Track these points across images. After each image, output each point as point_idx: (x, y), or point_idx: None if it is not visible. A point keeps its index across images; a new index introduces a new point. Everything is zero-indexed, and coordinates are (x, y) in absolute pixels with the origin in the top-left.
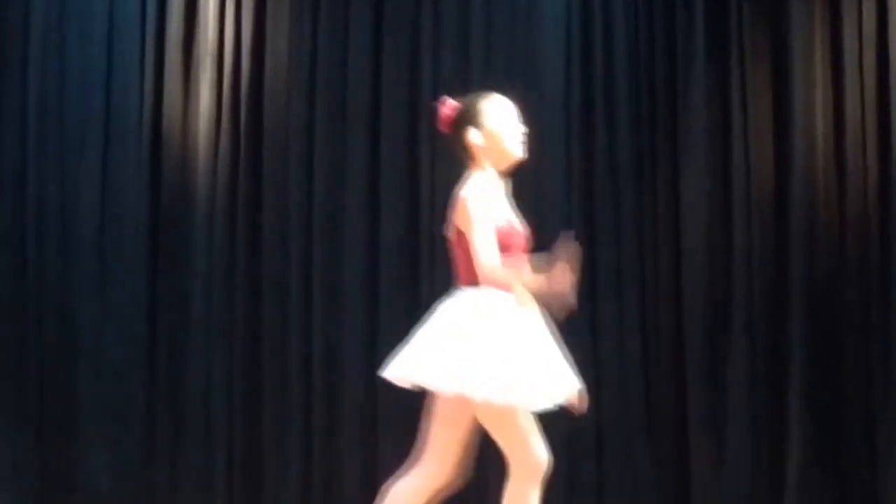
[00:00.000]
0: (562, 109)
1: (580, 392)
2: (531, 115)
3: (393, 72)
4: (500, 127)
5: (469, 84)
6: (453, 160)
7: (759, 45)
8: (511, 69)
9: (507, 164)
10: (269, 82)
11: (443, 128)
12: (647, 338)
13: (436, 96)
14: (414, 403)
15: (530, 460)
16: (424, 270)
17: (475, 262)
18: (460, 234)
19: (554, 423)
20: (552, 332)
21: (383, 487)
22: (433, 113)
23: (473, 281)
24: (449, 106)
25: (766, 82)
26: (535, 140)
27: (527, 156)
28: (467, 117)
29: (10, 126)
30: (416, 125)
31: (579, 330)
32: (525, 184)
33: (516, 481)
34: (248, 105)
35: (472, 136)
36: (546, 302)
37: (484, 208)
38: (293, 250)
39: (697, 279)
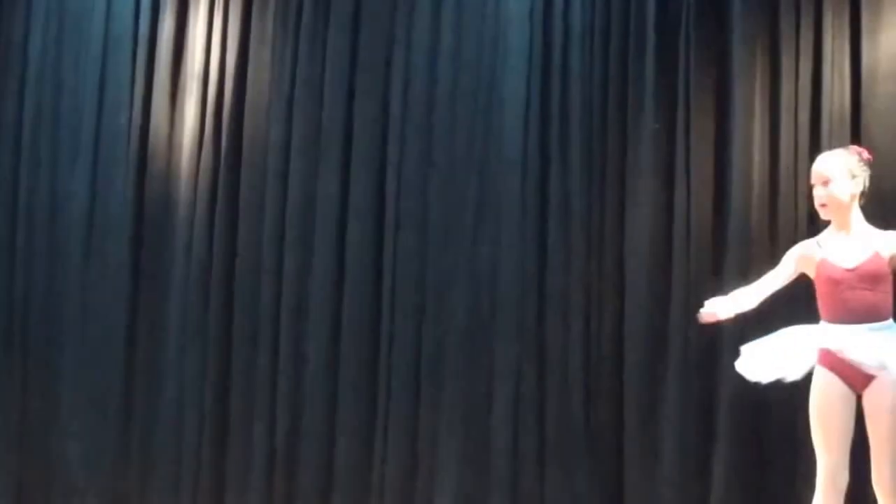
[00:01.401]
0: (520, 143)
1: None
2: (492, 149)
3: (365, 96)
4: None
5: (435, 107)
6: (418, 173)
7: (703, 93)
8: (475, 103)
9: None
10: (249, 103)
11: None
12: (590, 358)
13: (405, 119)
14: (372, 402)
15: None
16: (387, 274)
17: None
18: None
19: (500, 433)
20: None
21: None
22: None
23: None
24: None
25: (709, 128)
26: (494, 172)
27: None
28: None
29: (6, 136)
30: (385, 143)
31: (529, 348)
32: (485, 215)
33: None
34: (229, 123)
35: None
36: None
37: None
38: (266, 258)
39: (639, 307)
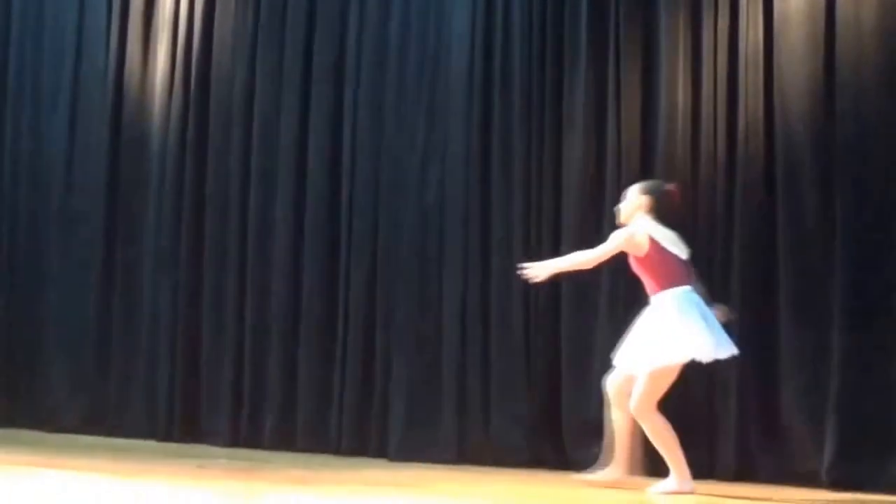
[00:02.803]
0: (465, 96)
1: None
2: (439, 94)
3: (323, 42)
4: None
5: (388, 54)
6: (375, 115)
7: (631, 39)
8: (424, 49)
9: None
10: (217, 48)
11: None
12: (529, 288)
13: (359, 65)
14: (332, 325)
15: None
16: (344, 203)
17: None
18: None
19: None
20: None
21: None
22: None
23: None
24: None
25: (637, 70)
26: (441, 115)
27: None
28: None
29: None
30: (341, 84)
31: (474, 279)
32: (430, 162)
33: None
34: (198, 66)
35: None
36: None
37: None
38: (233, 189)
39: (574, 238)
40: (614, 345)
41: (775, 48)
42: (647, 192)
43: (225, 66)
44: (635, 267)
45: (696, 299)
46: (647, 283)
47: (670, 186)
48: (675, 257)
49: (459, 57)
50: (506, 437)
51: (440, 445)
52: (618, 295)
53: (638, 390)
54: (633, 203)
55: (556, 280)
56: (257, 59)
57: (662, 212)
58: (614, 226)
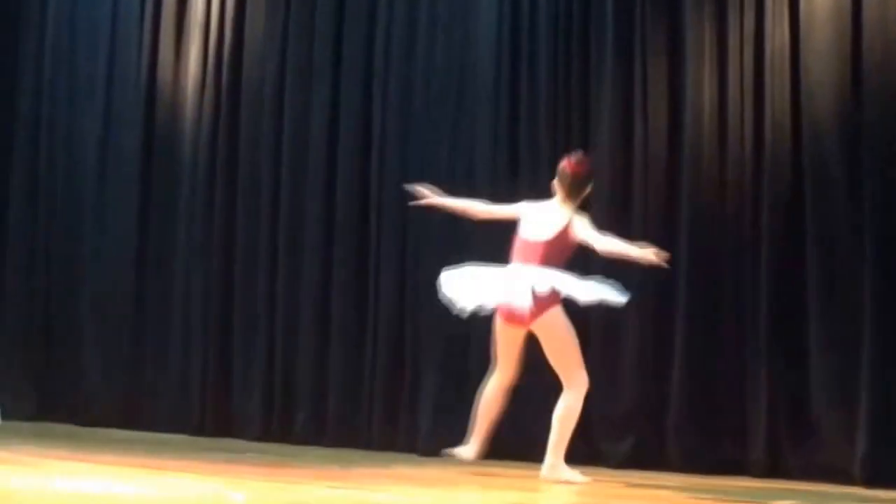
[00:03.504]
0: (492, 91)
1: None
2: (468, 99)
3: (353, 37)
4: None
5: (416, 51)
6: (403, 109)
7: (658, 36)
8: (452, 43)
9: None
10: (247, 47)
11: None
12: None
13: (387, 59)
14: (360, 317)
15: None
16: (373, 198)
17: None
18: None
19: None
20: None
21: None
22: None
23: None
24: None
25: (664, 68)
26: (469, 108)
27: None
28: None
29: (28, 77)
30: (370, 82)
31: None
32: (458, 157)
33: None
34: (229, 64)
35: None
36: None
37: None
38: (264, 185)
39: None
40: (643, 336)
41: (802, 48)
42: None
43: (255, 64)
44: None
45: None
46: None
47: (566, 160)
48: (518, 237)
49: (487, 53)
50: (534, 432)
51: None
52: (647, 287)
53: None
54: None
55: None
56: (287, 56)
57: (565, 186)
58: (643, 225)
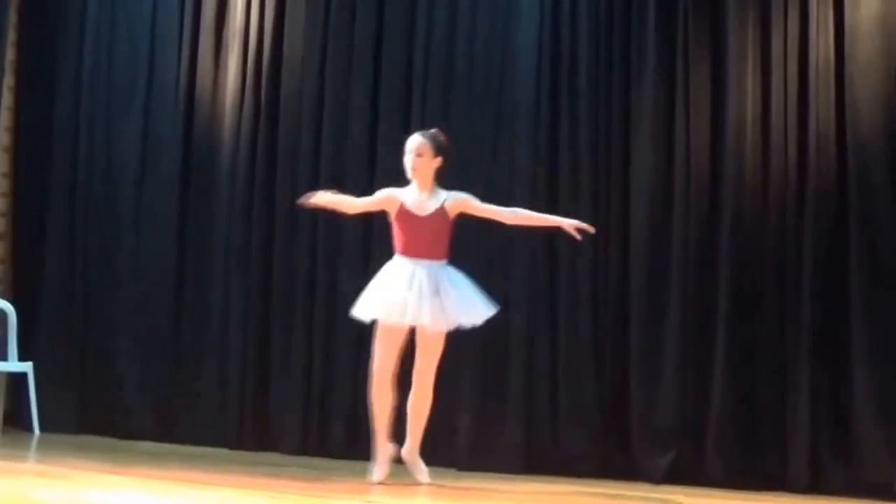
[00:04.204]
0: (532, 101)
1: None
2: (507, 110)
3: (392, 49)
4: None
5: (455, 63)
6: (443, 121)
7: (700, 45)
8: (491, 55)
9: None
10: (286, 57)
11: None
12: (597, 290)
13: (427, 70)
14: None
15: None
16: None
17: None
18: None
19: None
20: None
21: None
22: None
23: None
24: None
25: (706, 77)
26: (507, 129)
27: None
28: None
29: (67, 87)
30: (409, 93)
31: (541, 281)
32: (497, 167)
33: None
34: (268, 76)
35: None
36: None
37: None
38: (303, 193)
39: (642, 241)
40: (684, 349)
41: (846, 58)
42: (442, 152)
43: (294, 75)
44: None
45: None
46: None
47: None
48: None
49: (527, 64)
50: (573, 445)
51: (507, 454)
52: (687, 298)
53: None
54: (431, 164)
55: (626, 291)
56: (326, 67)
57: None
58: (684, 235)
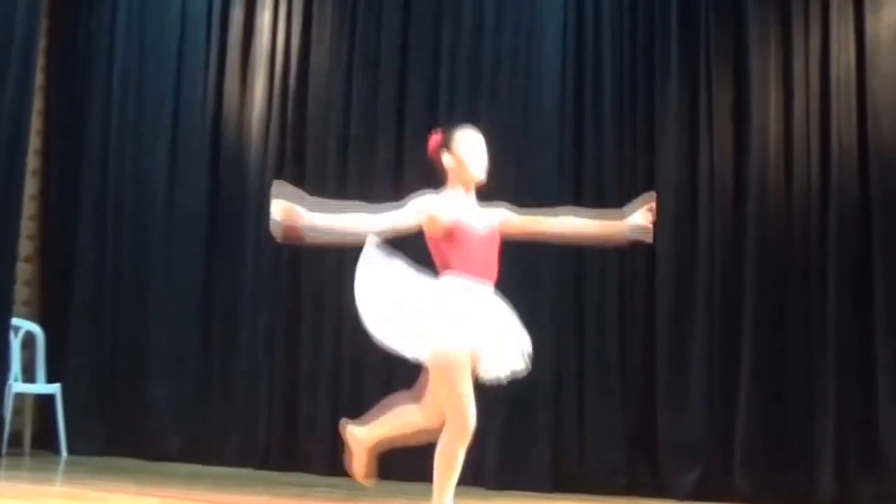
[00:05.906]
0: (557, 118)
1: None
2: (532, 111)
3: (417, 68)
4: (466, 153)
5: (481, 81)
6: None
7: (722, 62)
8: (516, 70)
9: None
10: (312, 81)
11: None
12: (624, 303)
13: (452, 88)
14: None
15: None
16: None
17: None
18: None
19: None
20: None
21: (393, 397)
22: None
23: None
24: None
25: (729, 93)
26: (533, 130)
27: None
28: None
29: (97, 110)
30: (435, 116)
31: (568, 295)
32: (525, 177)
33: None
34: (294, 99)
35: (446, 159)
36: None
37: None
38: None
39: (667, 253)
40: (710, 366)
41: (868, 69)
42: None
43: (321, 96)
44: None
45: None
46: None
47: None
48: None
49: (551, 85)
50: (601, 463)
51: (536, 473)
52: (713, 314)
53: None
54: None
55: (652, 306)
56: (353, 88)
57: None
58: (709, 250)
